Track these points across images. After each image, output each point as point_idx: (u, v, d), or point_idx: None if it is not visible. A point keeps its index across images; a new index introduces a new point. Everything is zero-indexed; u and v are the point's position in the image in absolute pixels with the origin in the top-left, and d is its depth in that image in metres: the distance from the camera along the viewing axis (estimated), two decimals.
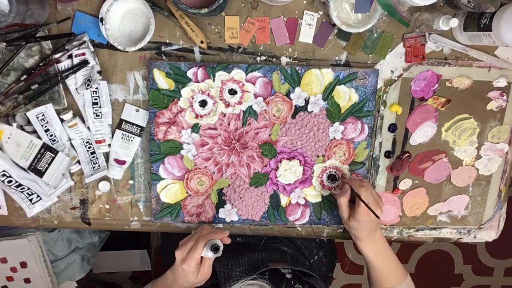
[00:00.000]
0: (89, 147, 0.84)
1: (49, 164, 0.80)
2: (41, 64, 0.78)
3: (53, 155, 0.80)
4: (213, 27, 0.81)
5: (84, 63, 0.78)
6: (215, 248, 0.71)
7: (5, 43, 0.74)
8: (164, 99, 0.81)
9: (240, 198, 0.88)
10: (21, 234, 1.13)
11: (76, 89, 0.80)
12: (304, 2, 0.80)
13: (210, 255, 0.72)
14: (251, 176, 0.87)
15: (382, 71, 0.85)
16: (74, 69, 0.78)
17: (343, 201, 0.81)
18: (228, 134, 0.84)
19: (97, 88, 0.79)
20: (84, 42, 0.78)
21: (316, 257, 1.00)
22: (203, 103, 0.82)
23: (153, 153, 0.84)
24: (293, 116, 0.84)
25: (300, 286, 0.79)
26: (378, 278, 0.85)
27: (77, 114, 0.83)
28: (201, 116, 0.83)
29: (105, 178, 0.87)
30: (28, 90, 0.78)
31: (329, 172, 0.88)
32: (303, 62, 0.84)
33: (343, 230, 0.94)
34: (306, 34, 0.82)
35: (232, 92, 0.82)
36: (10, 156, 0.79)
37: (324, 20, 0.82)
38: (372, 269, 0.85)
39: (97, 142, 0.83)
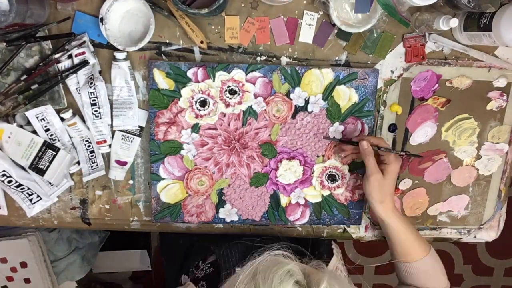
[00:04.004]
0: (88, 146, 0.84)
1: (51, 162, 0.80)
2: (41, 64, 0.78)
3: (54, 153, 0.80)
4: (213, 27, 0.81)
5: (84, 63, 0.78)
6: None
7: (5, 43, 0.74)
8: (164, 99, 0.81)
9: (240, 198, 0.88)
10: (21, 234, 1.13)
11: (77, 89, 0.80)
12: (304, 2, 0.80)
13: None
14: (251, 176, 0.87)
15: (382, 71, 0.85)
16: (74, 69, 0.78)
17: (372, 161, 0.77)
18: (228, 134, 0.84)
19: (94, 89, 0.79)
20: (84, 42, 0.78)
21: (316, 252, 1.00)
22: (203, 103, 0.82)
23: (153, 153, 0.84)
24: (293, 116, 0.84)
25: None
26: (404, 249, 0.80)
27: (78, 113, 0.83)
28: (201, 116, 0.83)
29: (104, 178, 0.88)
30: (28, 90, 0.78)
31: (329, 172, 0.88)
32: (303, 62, 0.84)
33: (343, 230, 0.94)
34: (306, 34, 0.82)
35: (232, 92, 0.82)
36: (10, 155, 0.79)
37: (324, 20, 0.82)
38: (396, 242, 0.81)
39: (98, 143, 0.83)
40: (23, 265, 1.17)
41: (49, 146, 0.79)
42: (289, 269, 0.51)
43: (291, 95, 0.83)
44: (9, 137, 0.78)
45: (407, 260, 0.81)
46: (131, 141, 0.85)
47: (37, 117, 0.80)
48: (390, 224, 0.80)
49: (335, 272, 0.62)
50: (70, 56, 0.78)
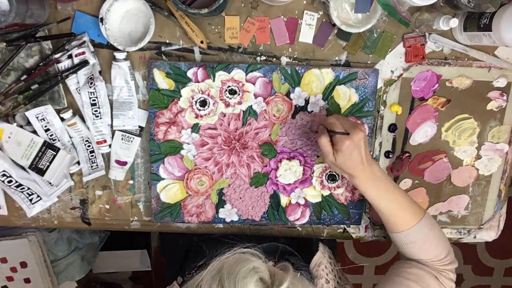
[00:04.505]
0: (88, 146, 0.84)
1: (51, 162, 0.80)
2: (41, 64, 0.78)
3: (54, 153, 0.80)
4: (213, 27, 0.81)
5: (84, 63, 0.78)
6: None
7: (5, 43, 0.74)
8: (164, 99, 0.82)
9: (240, 198, 0.88)
10: (21, 234, 1.13)
11: (77, 89, 0.80)
12: (304, 2, 0.80)
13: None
14: (251, 176, 0.87)
15: (382, 71, 0.85)
16: (74, 69, 0.78)
17: (324, 140, 0.72)
18: (228, 134, 0.84)
19: (94, 89, 0.79)
20: (84, 42, 0.78)
21: (307, 250, 1.00)
22: (203, 103, 0.82)
23: (153, 153, 0.84)
24: (293, 116, 0.84)
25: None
26: (386, 222, 0.78)
27: (78, 113, 0.83)
28: (201, 116, 0.83)
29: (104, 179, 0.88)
30: (28, 90, 0.78)
31: (329, 172, 0.88)
32: (303, 62, 0.84)
33: (343, 230, 0.94)
34: (306, 34, 0.82)
35: (232, 92, 0.82)
36: (10, 155, 0.79)
37: (324, 20, 0.82)
38: (379, 212, 0.78)
39: (98, 143, 0.83)
40: (23, 265, 1.17)
41: (49, 146, 0.79)
42: (255, 266, 0.52)
43: (291, 95, 0.83)
44: (9, 137, 0.78)
45: (392, 230, 0.79)
46: (131, 141, 0.85)
47: (37, 117, 0.80)
48: (366, 194, 0.77)
49: (297, 275, 0.61)
50: (70, 56, 0.78)
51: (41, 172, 0.80)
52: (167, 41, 0.81)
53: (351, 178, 0.76)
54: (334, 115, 0.76)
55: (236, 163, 0.86)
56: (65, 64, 0.78)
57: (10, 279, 1.20)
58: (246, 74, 0.81)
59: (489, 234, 0.98)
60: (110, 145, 0.85)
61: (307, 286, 0.57)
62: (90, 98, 0.80)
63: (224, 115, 0.83)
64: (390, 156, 0.90)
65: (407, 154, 0.90)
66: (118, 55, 0.78)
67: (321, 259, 0.81)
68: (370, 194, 0.76)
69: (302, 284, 0.55)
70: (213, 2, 0.69)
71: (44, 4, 0.75)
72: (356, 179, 0.75)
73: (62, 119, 0.81)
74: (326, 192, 0.89)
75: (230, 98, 0.82)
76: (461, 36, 0.82)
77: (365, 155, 0.73)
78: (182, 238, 1.03)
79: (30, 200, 0.84)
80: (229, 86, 0.82)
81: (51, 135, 0.81)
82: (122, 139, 0.84)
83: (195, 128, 0.83)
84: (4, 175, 0.79)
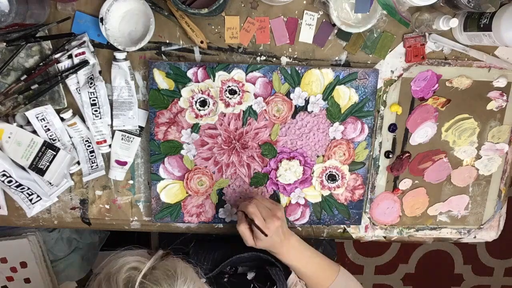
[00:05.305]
0: (88, 146, 0.84)
1: (51, 162, 0.80)
2: (41, 64, 0.78)
3: (54, 153, 0.80)
4: (213, 27, 0.81)
5: (84, 63, 0.78)
6: None
7: (5, 43, 0.74)
8: (164, 99, 0.82)
9: (240, 198, 0.88)
10: (21, 234, 1.13)
11: (77, 89, 0.80)
12: (304, 2, 0.80)
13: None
14: (251, 176, 0.87)
15: (382, 71, 0.85)
16: (74, 69, 0.78)
17: (242, 228, 0.77)
18: (228, 134, 0.84)
19: (94, 89, 0.79)
20: (84, 42, 0.78)
21: None
22: (203, 103, 0.82)
23: (153, 153, 0.84)
24: (293, 116, 0.84)
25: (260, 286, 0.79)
26: (311, 283, 0.83)
27: (78, 113, 0.83)
28: (201, 116, 0.83)
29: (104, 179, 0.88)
30: (28, 90, 0.78)
31: (329, 172, 0.88)
32: (303, 62, 0.84)
33: (343, 230, 0.94)
34: (306, 34, 0.82)
35: (232, 92, 0.82)
36: (10, 155, 0.79)
37: (324, 20, 0.82)
38: (302, 277, 0.83)
39: (98, 143, 0.83)
40: (23, 265, 1.17)
41: (49, 146, 0.79)
42: (126, 260, 0.60)
43: (291, 95, 0.83)
44: (9, 137, 0.78)
45: None
46: (131, 141, 0.85)
47: (37, 117, 0.80)
48: (288, 264, 0.81)
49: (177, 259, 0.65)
50: (70, 56, 0.78)
51: (41, 172, 0.80)
52: (167, 41, 0.81)
53: (272, 252, 0.80)
54: (254, 200, 0.78)
55: (236, 163, 0.86)
56: (65, 64, 0.78)
57: (10, 279, 1.20)
58: (246, 74, 0.81)
59: (489, 234, 0.98)
60: (110, 145, 0.85)
61: (181, 266, 0.61)
62: (90, 98, 0.80)
63: (224, 115, 0.83)
64: (390, 156, 0.90)
65: (407, 154, 0.90)
66: (118, 55, 0.78)
67: (296, 279, 0.82)
68: (292, 263, 0.80)
69: (174, 264, 0.60)
70: (213, 2, 0.69)
71: (44, 4, 0.75)
72: (278, 254, 0.79)
73: (62, 119, 0.81)
74: (326, 192, 0.89)
75: (230, 98, 0.82)
76: (461, 36, 0.82)
77: (282, 235, 0.78)
78: (181, 239, 1.03)
79: (30, 200, 0.84)
80: (229, 86, 0.82)
81: (51, 135, 0.81)
82: (122, 139, 0.84)
83: (195, 128, 0.83)
84: (4, 175, 0.79)
